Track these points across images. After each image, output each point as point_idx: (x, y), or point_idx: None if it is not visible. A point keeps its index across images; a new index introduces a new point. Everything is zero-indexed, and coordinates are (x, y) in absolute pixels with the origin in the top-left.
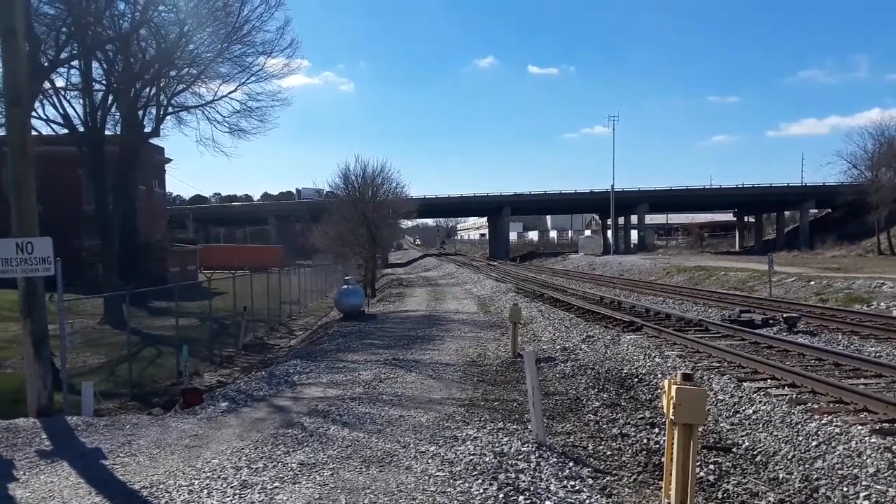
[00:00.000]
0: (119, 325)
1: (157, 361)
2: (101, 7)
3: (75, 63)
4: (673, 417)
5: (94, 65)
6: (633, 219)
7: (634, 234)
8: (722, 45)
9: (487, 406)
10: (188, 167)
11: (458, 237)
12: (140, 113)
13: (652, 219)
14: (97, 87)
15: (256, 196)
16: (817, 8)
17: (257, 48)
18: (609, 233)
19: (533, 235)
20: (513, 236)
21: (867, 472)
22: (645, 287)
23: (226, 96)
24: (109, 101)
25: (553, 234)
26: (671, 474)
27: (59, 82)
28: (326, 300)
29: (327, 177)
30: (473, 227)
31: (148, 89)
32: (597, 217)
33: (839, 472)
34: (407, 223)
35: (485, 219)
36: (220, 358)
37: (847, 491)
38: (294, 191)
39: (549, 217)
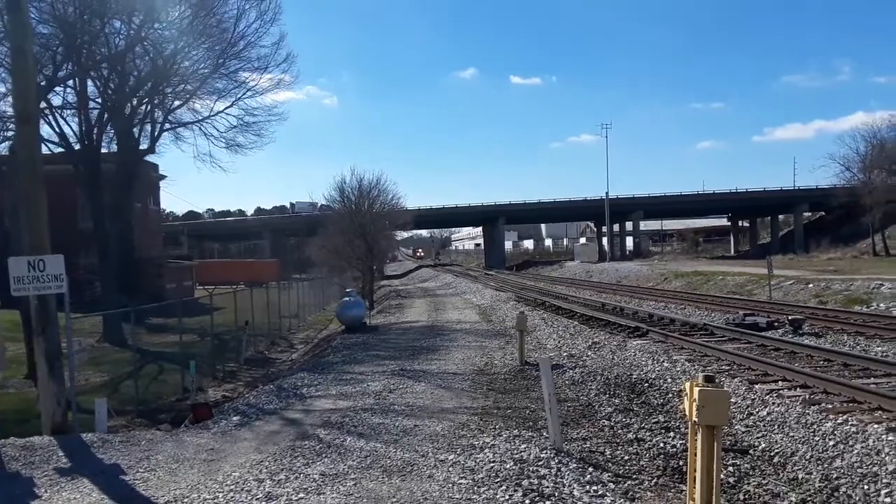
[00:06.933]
0: (118, 342)
1: (159, 378)
2: (95, 29)
3: (70, 82)
4: (696, 419)
5: (89, 82)
6: (628, 225)
7: (629, 241)
8: (704, 51)
9: (500, 414)
10: (180, 183)
11: (453, 247)
12: (136, 130)
13: (646, 225)
14: (92, 104)
15: (249, 211)
16: (797, 14)
17: (253, 63)
18: (604, 240)
19: (528, 244)
20: (508, 245)
21: (887, 469)
22: (644, 293)
23: (222, 112)
24: (105, 119)
25: (548, 242)
26: (695, 477)
27: (56, 101)
28: (324, 313)
29: (320, 190)
30: (468, 237)
31: (144, 106)
32: (591, 224)
33: (858, 470)
34: (402, 234)
35: (479, 229)
36: (222, 373)
37: (868, 489)
38: (288, 205)
39: (543, 226)
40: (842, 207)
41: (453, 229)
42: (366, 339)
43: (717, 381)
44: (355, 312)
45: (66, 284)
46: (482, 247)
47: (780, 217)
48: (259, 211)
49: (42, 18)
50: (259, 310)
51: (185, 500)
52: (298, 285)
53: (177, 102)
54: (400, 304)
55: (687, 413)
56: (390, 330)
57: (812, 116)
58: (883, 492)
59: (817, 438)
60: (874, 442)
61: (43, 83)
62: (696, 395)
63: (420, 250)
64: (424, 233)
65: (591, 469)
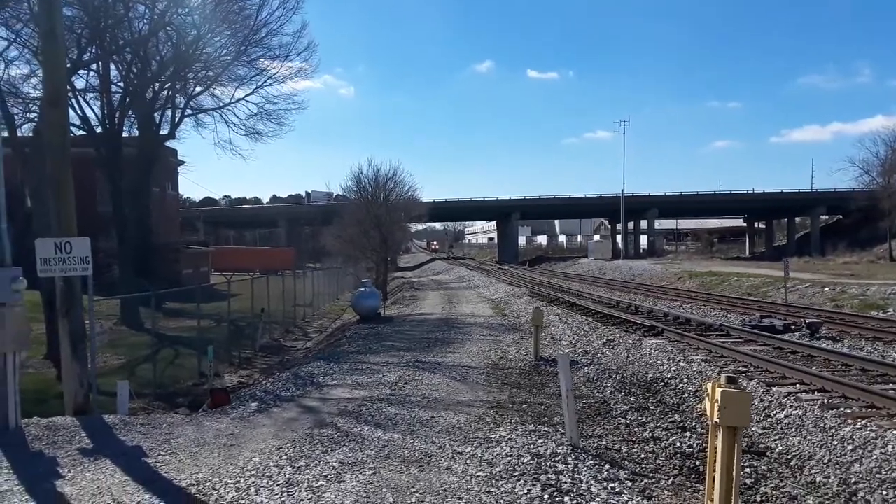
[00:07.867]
0: (135, 326)
1: (175, 362)
2: (120, 13)
3: (94, 65)
4: (717, 420)
5: (112, 66)
6: (643, 223)
7: (644, 239)
8: (722, 50)
9: (516, 408)
10: (198, 169)
11: (466, 241)
12: (157, 115)
13: (661, 224)
14: (115, 88)
15: (265, 199)
16: (817, 15)
17: (274, 51)
18: (618, 237)
19: (541, 240)
20: (521, 240)
21: None
22: (658, 292)
23: (243, 99)
24: (127, 103)
25: (562, 238)
26: (714, 477)
27: (79, 84)
28: (338, 303)
29: (335, 179)
30: (481, 231)
31: (165, 91)
32: (605, 222)
33: (877, 475)
34: (416, 226)
35: (493, 223)
36: (238, 359)
37: (887, 494)
38: (303, 193)
39: (557, 221)
40: (860, 211)
41: (467, 223)
42: (380, 329)
43: (739, 382)
44: (371, 303)
45: (91, 267)
46: (495, 241)
47: (797, 219)
48: (274, 199)
49: (67, 1)
50: (274, 298)
51: (208, 483)
52: (313, 274)
53: (198, 88)
54: (414, 296)
55: (707, 413)
56: (405, 321)
57: (830, 118)
58: None
59: (835, 443)
60: (893, 448)
61: (68, 66)
62: (717, 396)
63: (434, 243)
64: (438, 225)
65: (607, 466)
